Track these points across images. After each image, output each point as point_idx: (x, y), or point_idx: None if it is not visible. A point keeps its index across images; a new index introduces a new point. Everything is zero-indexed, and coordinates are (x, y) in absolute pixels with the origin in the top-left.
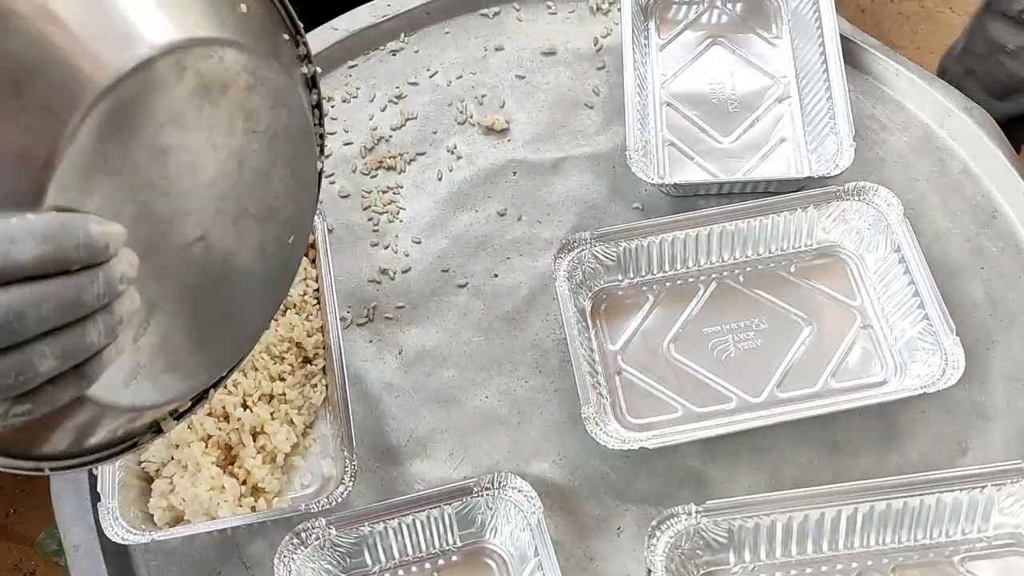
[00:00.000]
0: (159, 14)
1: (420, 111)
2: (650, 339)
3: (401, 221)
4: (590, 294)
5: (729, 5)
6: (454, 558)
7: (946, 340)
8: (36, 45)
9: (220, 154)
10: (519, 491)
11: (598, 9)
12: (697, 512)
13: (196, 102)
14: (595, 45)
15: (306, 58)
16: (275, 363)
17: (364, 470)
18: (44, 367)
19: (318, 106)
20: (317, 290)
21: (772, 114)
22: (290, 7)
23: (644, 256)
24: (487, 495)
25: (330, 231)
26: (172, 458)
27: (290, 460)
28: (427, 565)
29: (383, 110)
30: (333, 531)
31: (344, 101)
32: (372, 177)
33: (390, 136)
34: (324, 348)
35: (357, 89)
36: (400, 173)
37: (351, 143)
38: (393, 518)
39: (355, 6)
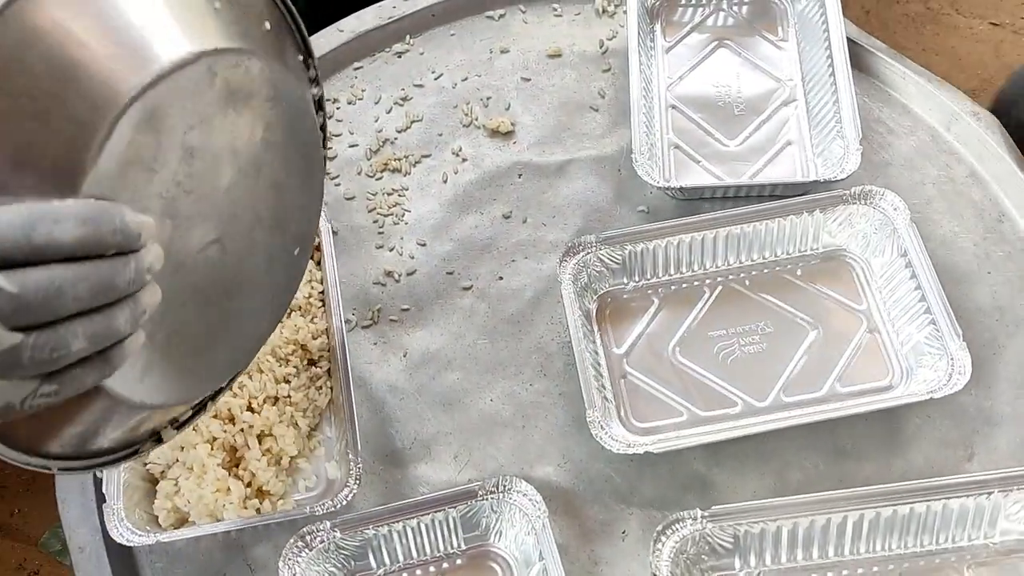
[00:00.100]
0: (194, 26)
1: (425, 113)
2: (655, 343)
3: (406, 223)
4: (595, 297)
5: (735, 8)
6: (458, 561)
7: (953, 345)
8: (83, 46)
9: (240, 161)
10: (524, 495)
11: (604, 11)
12: (703, 517)
13: (222, 108)
14: (601, 47)
15: (315, 80)
16: (280, 365)
17: (368, 473)
18: (76, 346)
19: (323, 128)
20: (322, 292)
21: (778, 117)
22: (304, 29)
23: (649, 259)
24: (492, 498)
25: (335, 233)
26: (177, 460)
27: (295, 462)
28: (431, 568)
29: (388, 112)
30: (338, 534)
31: (349, 103)
32: (377, 179)
33: (395, 138)
34: (329, 350)
35: (362, 91)
36: (405, 175)
37: (356, 145)
38: (398, 521)
39: (361, 8)
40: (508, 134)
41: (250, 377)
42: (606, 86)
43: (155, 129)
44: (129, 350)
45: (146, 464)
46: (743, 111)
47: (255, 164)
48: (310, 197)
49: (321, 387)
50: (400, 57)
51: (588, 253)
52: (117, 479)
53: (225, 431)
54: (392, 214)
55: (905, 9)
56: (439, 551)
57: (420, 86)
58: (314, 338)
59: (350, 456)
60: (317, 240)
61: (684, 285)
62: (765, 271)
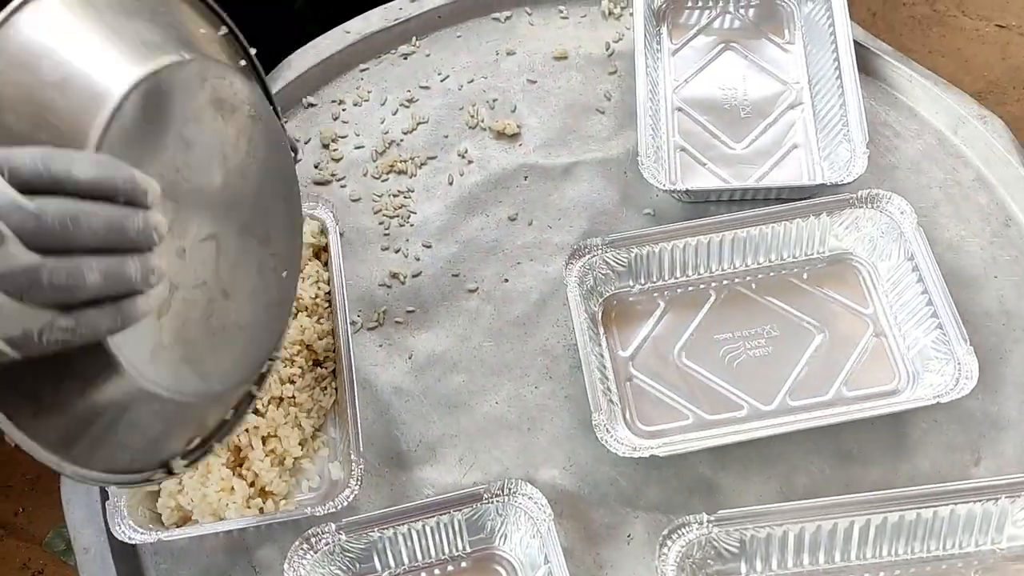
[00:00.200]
0: (190, 39)
1: (431, 115)
2: (661, 346)
3: (412, 225)
4: (601, 300)
5: (742, 10)
6: (464, 564)
7: (959, 349)
8: (96, 41)
9: (229, 164)
10: (529, 498)
11: (610, 14)
12: (709, 521)
13: (212, 111)
14: (607, 50)
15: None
16: (286, 366)
17: (373, 475)
18: (91, 279)
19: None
20: (329, 293)
21: (784, 120)
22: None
23: (655, 262)
24: (497, 501)
25: (341, 235)
26: None
27: (298, 462)
28: (436, 571)
29: (394, 114)
30: (343, 536)
31: (355, 105)
32: (383, 181)
33: (401, 140)
34: (335, 351)
35: (369, 92)
36: (411, 177)
37: (362, 147)
38: (403, 524)
39: (367, 9)
40: (514, 136)
41: None
42: (612, 88)
43: (156, 113)
44: (142, 308)
45: None
46: (749, 114)
47: (242, 171)
48: (292, 223)
49: (326, 388)
50: (406, 59)
51: (594, 256)
52: None
53: None
54: (398, 216)
55: (911, 11)
56: (444, 554)
57: (426, 88)
58: (320, 339)
59: (352, 458)
60: (324, 241)
61: (690, 288)
62: (771, 274)
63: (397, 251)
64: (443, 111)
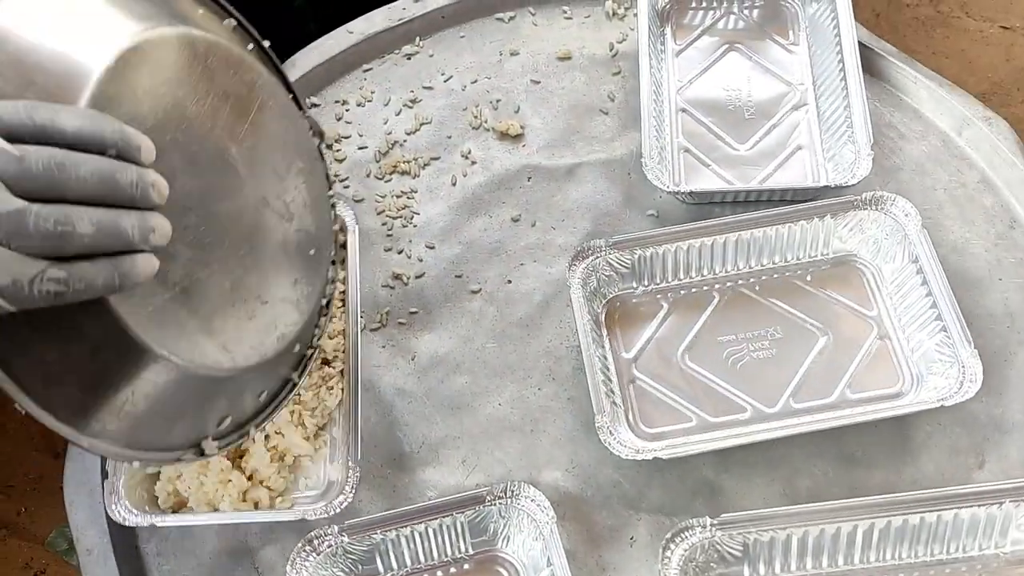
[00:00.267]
0: (189, 19)
1: (435, 115)
2: (664, 347)
3: (415, 226)
4: (604, 301)
5: (746, 11)
6: (466, 566)
7: (964, 352)
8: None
9: (240, 137)
10: (532, 500)
11: (614, 14)
12: (712, 525)
13: (214, 86)
14: (611, 50)
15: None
16: None
17: (376, 476)
18: (81, 228)
19: (319, 137)
20: (343, 293)
21: (789, 121)
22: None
23: (659, 264)
24: (500, 504)
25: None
26: None
27: (299, 460)
28: (439, 573)
29: (398, 114)
30: (345, 538)
31: (359, 105)
32: (386, 182)
33: (404, 140)
34: (344, 352)
35: (372, 93)
36: (414, 178)
37: (365, 147)
38: (405, 526)
39: (371, 9)
40: (517, 137)
41: None
42: (616, 89)
43: (149, 81)
44: (141, 267)
45: None
46: (753, 115)
47: (253, 145)
48: (316, 200)
49: (332, 388)
50: (409, 59)
51: (597, 257)
52: None
53: None
54: (401, 217)
55: (915, 12)
56: (447, 556)
57: (429, 88)
58: (330, 338)
59: (349, 464)
60: (343, 238)
61: (693, 290)
62: (775, 276)
63: (400, 252)
64: (446, 112)
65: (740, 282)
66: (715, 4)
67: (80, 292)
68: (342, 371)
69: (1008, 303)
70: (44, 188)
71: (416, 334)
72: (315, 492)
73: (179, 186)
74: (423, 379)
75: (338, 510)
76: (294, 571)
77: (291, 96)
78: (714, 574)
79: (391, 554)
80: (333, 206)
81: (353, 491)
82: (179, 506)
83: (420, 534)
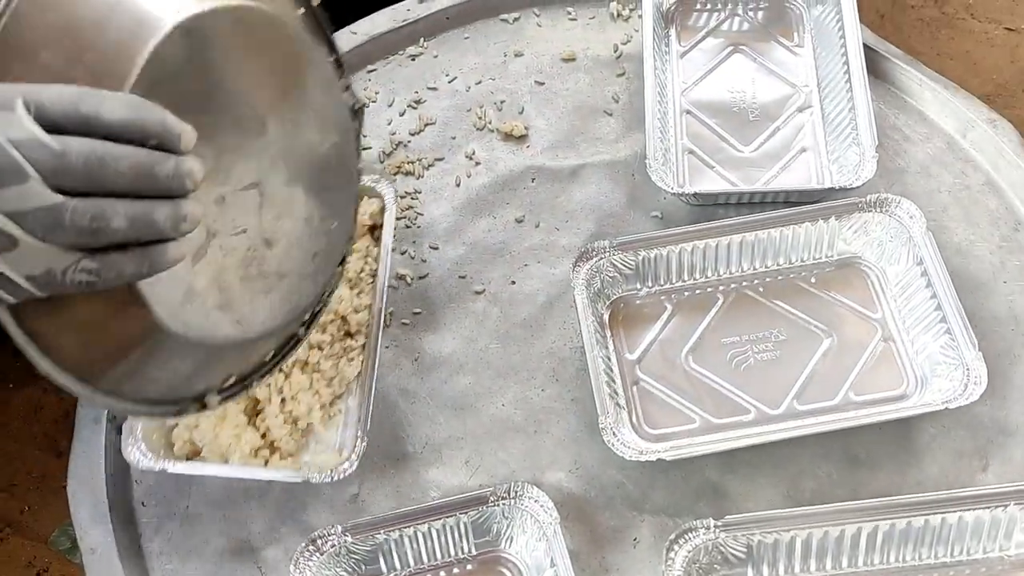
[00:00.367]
0: None
1: (439, 116)
2: (668, 349)
3: (419, 227)
4: (608, 303)
5: (751, 13)
6: (469, 567)
7: (968, 355)
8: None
9: (276, 112)
10: (535, 501)
11: (618, 16)
12: (715, 526)
13: (260, 57)
14: (615, 52)
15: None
16: (317, 332)
17: (379, 476)
18: (116, 223)
19: (356, 112)
20: (375, 270)
21: (793, 123)
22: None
23: (663, 265)
24: (503, 504)
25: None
26: None
27: (312, 426)
28: (442, 573)
29: (402, 115)
30: (349, 538)
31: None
32: (390, 182)
33: (408, 141)
34: (368, 326)
35: (376, 94)
36: (418, 178)
37: (369, 148)
38: (409, 526)
39: (375, 10)
40: (521, 138)
41: None
42: (620, 91)
43: (200, 55)
44: (172, 255)
45: None
46: (758, 117)
47: (294, 120)
48: (347, 172)
49: (352, 359)
50: (414, 60)
51: (601, 258)
52: None
53: None
54: (405, 217)
55: (919, 14)
56: (450, 556)
57: (434, 89)
58: (356, 312)
59: (358, 434)
60: (381, 219)
61: (697, 291)
62: (779, 278)
63: (404, 253)
64: (450, 112)
65: (744, 284)
66: (720, 6)
67: (110, 281)
68: (364, 345)
69: (1013, 306)
70: (82, 182)
71: (420, 335)
72: (323, 457)
73: (212, 158)
74: (426, 379)
75: (340, 476)
76: (297, 571)
77: (334, 60)
78: (717, 575)
79: (394, 554)
80: (360, 176)
81: (358, 459)
82: (193, 455)
83: (423, 534)
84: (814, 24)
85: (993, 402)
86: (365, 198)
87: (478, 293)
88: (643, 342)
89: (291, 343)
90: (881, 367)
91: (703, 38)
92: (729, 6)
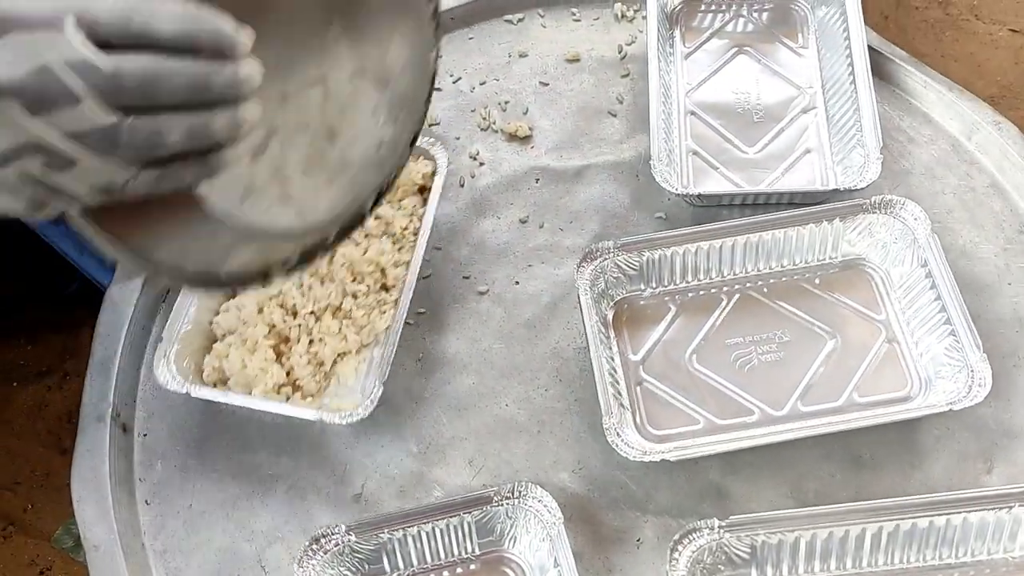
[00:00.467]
0: None
1: (443, 116)
2: (672, 350)
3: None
4: (612, 303)
5: (755, 14)
6: (473, 567)
7: (973, 357)
8: None
9: (338, 7)
10: (539, 500)
11: (623, 16)
12: (720, 527)
13: None
14: (619, 53)
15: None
16: (353, 281)
17: (383, 476)
18: (172, 138)
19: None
20: (418, 229)
21: (798, 125)
22: None
23: (667, 266)
24: (507, 504)
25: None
26: (237, 331)
27: (335, 371)
28: (446, 573)
29: None
30: (352, 537)
31: None
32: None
33: None
34: (403, 283)
35: None
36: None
37: None
38: (412, 525)
39: None
40: (526, 138)
41: (322, 283)
42: (624, 91)
43: None
44: (229, 159)
45: (211, 323)
46: (762, 118)
47: (360, 13)
48: (418, 62)
49: (385, 312)
50: None
51: (605, 259)
52: (180, 326)
53: (285, 321)
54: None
55: (924, 15)
56: (453, 556)
57: (438, 89)
58: (395, 266)
59: (376, 382)
60: (427, 180)
61: (701, 292)
62: (783, 279)
63: None
64: (455, 112)
65: (748, 285)
66: (724, 7)
67: (168, 188)
68: (397, 300)
69: (1017, 308)
70: (136, 100)
71: (423, 334)
72: (341, 401)
73: (273, 56)
74: (430, 379)
75: (353, 420)
76: (301, 570)
77: None
78: None
79: (398, 554)
80: (435, 67)
81: (373, 405)
82: (220, 383)
83: (427, 534)
84: (818, 26)
85: (997, 404)
86: (421, 159)
87: (482, 293)
88: (647, 343)
89: (357, 220)
90: (885, 369)
91: (707, 39)
92: (733, 8)
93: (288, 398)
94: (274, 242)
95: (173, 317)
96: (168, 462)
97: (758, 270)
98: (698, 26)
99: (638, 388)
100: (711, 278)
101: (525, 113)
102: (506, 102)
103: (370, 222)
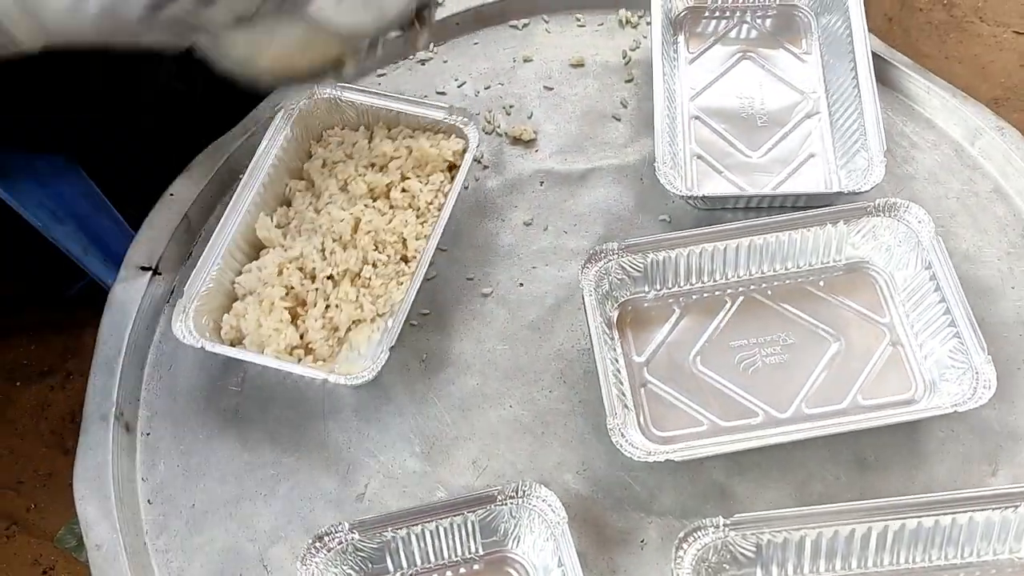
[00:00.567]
0: None
1: None
2: (676, 352)
3: None
4: (616, 305)
5: (759, 20)
6: (476, 566)
7: (977, 359)
8: None
9: None
10: (543, 500)
11: (627, 22)
12: (725, 525)
13: None
14: (624, 58)
15: None
16: (375, 250)
17: (386, 476)
18: None
19: None
20: (442, 206)
21: (801, 129)
22: None
23: (671, 268)
24: (511, 504)
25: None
26: (256, 292)
27: (348, 337)
28: (449, 573)
29: None
30: (355, 536)
31: None
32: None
33: None
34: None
35: None
36: None
37: None
38: (416, 524)
39: None
40: (530, 142)
41: (344, 249)
42: (628, 96)
43: None
44: None
45: (233, 283)
46: (766, 123)
47: None
48: None
49: (402, 284)
50: (423, 65)
51: (610, 261)
52: (200, 286)
53: (303, 284)
54: None
55: (928, 17)
56: (457, 555)
57: (443, 94)
58: (416, 239)
59: (384, 347)
60: (457, 158)
61: (706, 295)
62: (787, 282)
63: None
64: None
65: (752, 287)
66: (728, 13)
67: (289, 8)
68: (414, 273)
69: (1020, 312)
70: None
71: (427, 335)
72: (349, 366)
73: None
74: (434, 380)
75: (357, 381)
76: (304, 569)
77: None
78: (726, 575)
79: (401, 552)
80: None
81: (378, 369)
82: (235, 342)
83: (431, 533)
84: (822, 32)
85: (1001, 407)
86: (453, 136)
87: (486, 295)
88: (651, 344)
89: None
90: (889, 371)
91: (711, 45)
92: (737, 14)
93: (300, 360)
94: (352, 41)
95: (194, 277)
96: (171, 462)
97: (762, 272)
98: (702, 32)
99: (642, 390)
100: (715, 280)
101: (530, 117)
102: (511, 106)
103: (397, 194)
